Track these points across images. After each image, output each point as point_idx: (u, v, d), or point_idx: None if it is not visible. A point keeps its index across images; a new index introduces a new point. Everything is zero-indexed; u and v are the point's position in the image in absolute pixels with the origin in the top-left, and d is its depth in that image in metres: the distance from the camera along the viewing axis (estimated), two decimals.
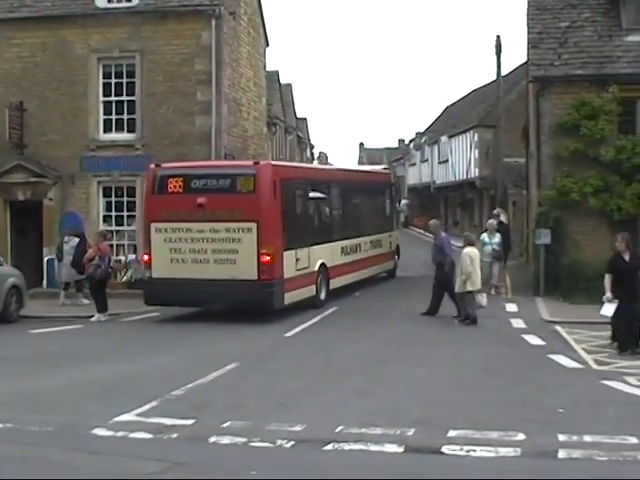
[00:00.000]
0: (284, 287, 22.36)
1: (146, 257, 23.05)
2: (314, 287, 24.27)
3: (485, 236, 26.96)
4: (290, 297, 22.69)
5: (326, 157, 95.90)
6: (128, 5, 28.79)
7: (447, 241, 23.21)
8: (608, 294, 17.50)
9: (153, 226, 22.65)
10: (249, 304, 22.11)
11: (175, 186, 22.55)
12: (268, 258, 21.63)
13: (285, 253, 22.45)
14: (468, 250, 21.35)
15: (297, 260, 23.16)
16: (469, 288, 21.00)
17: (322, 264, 24.81)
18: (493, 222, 27.76)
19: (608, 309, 17.58)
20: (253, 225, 21.63)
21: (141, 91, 28.70)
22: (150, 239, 22.83)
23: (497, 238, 26.83)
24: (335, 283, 25.86)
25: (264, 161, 24.95)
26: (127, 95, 28.91)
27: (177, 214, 22.28)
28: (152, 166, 23.46)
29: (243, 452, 10.41)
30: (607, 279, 17.66)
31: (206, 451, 10.50)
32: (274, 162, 25.60)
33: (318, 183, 26.17)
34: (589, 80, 25.93)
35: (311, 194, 25.10)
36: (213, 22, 28.29)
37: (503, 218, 30.07)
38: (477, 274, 21.30)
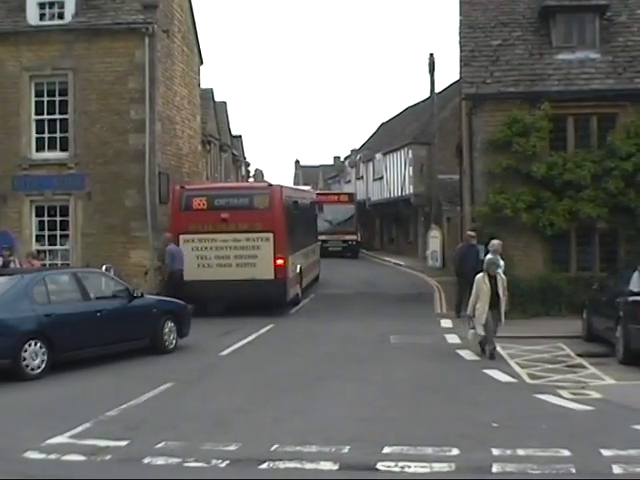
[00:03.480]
0: (290, 285, 27.11)
1: None
2: (298, 286, 29.17)
3: None
4: (291, 293, 27.49)
5: (262, 174, 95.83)
6: (60, 22, 28.54)
7: (170, 253, 25.57)
8: None
9: (181, 237, 26.39)
10: (267, 298, 26.33)
11: (200, 204, 26.69)
12: (282, 262, 26.20)
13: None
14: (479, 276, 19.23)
15: (292, 264, 27.50)
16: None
17: (300, 267, 29.50)
18: (498, 243, 22.93)
19: None
20: (270, 235, 26.13)
21: (74, 109, 28.46)
22: None
23: (502, 261, 22.18)
24: (303, 283, 30.58)
25: (274, 184, 28.79)
26: (60, 113, 28.68)
27: (203, 227, 26.40)
28: (177, 187, 27.60)
29: (178, 472, 10.31)
30: None
31: (140, 472, 10.37)
32: (281, 185, 29.20)
33: (298, 201, 31.33)
34: (521, 97, 26.27)
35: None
36: (146, 40, 28.21)
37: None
38: (480, 304, 18.93)
